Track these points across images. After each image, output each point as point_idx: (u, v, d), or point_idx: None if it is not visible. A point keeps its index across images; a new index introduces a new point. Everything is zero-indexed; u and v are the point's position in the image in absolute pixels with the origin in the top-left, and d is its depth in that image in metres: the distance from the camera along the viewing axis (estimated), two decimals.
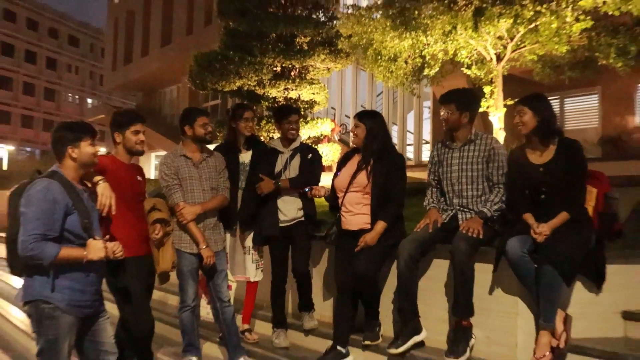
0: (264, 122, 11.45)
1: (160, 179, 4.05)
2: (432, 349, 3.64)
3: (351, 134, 4.02)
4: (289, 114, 4.44)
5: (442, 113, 3.77)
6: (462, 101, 3.74)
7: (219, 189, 4.10)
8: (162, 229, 3.79)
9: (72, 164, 2.98)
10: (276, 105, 11.92)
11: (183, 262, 3.96)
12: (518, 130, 3.52)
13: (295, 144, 4.45)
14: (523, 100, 3.52)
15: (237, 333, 4.20)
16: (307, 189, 4.18)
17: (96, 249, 2.86)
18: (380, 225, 3.74)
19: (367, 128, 3.90)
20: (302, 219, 4.31)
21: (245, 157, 4.49)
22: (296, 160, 4.38)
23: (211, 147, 4.35)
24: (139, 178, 3.75)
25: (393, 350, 3.56)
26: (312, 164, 4.37)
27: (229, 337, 4.12)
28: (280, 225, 4.28)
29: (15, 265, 2.95)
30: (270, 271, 4.40)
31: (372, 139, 3.89)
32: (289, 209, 4.30)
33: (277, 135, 12.17)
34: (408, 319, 3.60)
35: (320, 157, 4.58)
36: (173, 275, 4.00)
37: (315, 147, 6.97)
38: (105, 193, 3.19)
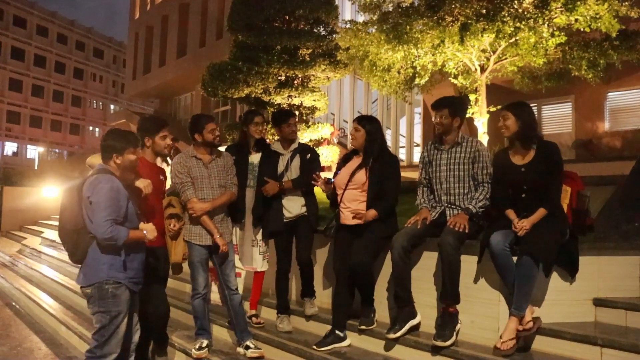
0: (269, 126, 11.42)
1: (174, 177, 4.03)
2: (423, 333, 3.62)
3: (350, 136, 3.99)
4: (287, 117, 4.41)
5: (435, 118, 3.73)
6: (455, 107, 3.72)
7: (227, 186, 4.09)
8: (178, 224, 3.80)
9: (115, 167, 3.12)
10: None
11: (193, 253, 3.95)
12: (502, 133, 3.52)
13: (294, 146, 4.42)
14: (507, 106, 3.52)
15: (245, 318, 4.18)
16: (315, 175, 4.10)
17: (151, 229, 3.08)
18: (372, 213, 3.70)
19: (367, 131, 3.88)
20: (306, 213, 4.30)
21: (255, 158, 4.46)
22: (296, 161, 4.35)
23: (222, 148, 4.33)
24: (162, 177, 3.78)
25: (391, 335, 3.53)
26: (311, 163, 4.34)
27: (237, 321, 4.10)
28: (285, 220, 4.27)
29: (77, 253, 3.04)
30: (276, 262, 4.39)
31: (371, 142, 3.88)
32: (293, 206, 4.28)
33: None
34: (403, 305, 3.58)
35: (318, 155, 4.56)
36: (185, 267, 3.99)
37: (316, 148, 6.95)
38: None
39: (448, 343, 3.31)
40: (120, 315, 3.02)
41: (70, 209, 3.02)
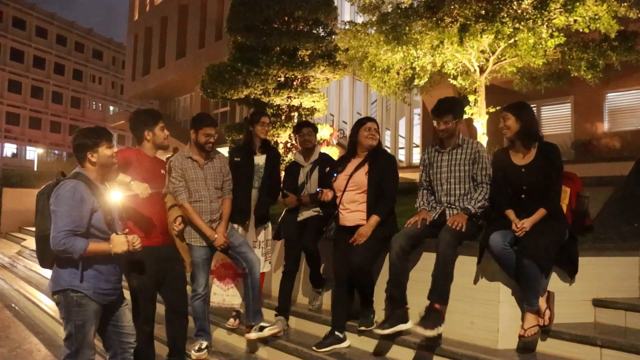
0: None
1: (170, 179, 4.01)
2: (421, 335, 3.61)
3: (368, 136, 3.90)
4: (300, 127, 4.53)
5: (439, 125, 3.72)
6: (457, 111, 3.78)
7: (223, 189, 4.11)
8: (181, 225, 3.75)
9: (93, 167, 2.98)
10: (280, 112, 11.92)
11: (195, 254, 3.96)
12: (503, 133, 3.53)
13: (314, 157, 4.46)
14: (507, 107, 3.54)
15: (260, 299, 4.18)
16: (318, 190, 4.13)
17: (120, 242, 2.89)
18: (374, 219, 3.73)
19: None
20: (321, 214, 4.30)
21: (260, 159, 4.46)
22: (316, 174, 4.39)
23: (225, 148, 4.32)
24: (162, 172, 3.72)
25: (379, 331, 3.53)
26: (329, 178, 4.25)
27: (253, 300, 4.08)
28: (298, 220, 4.34)
29: (46, 258, 2.95)
30: (284, 263, 4.39)
31: (379, 144, 3.98)
32: (307, 210, 4.35)
33: (280, 139, 12.17)
34: (397, 307, 3.57)
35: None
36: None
37: None
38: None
39: (429, 333, 3.26)
40: (86, 326, 2.90)
41: (40, 214, 2.92)
